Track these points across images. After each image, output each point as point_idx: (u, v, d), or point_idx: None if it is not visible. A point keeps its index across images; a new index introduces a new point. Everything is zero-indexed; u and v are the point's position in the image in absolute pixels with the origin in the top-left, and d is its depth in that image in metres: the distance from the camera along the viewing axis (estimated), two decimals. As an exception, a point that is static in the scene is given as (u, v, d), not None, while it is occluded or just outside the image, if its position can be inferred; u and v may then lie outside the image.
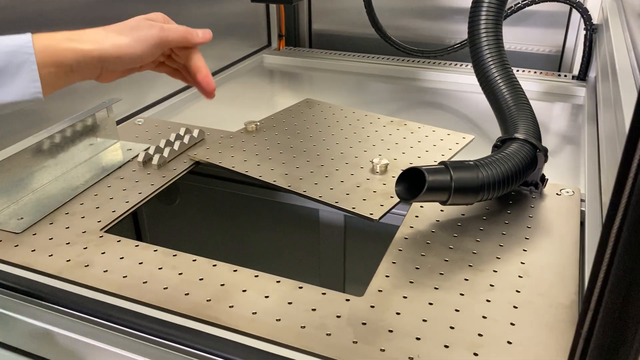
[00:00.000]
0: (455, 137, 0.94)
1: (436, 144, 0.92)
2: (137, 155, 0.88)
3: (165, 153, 0.88)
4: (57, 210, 0.75)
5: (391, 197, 0.76)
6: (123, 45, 0.55)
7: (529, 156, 0.75)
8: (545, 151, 0.76)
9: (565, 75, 1.33)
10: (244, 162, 0.86)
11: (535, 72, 1.35)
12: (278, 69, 1.50)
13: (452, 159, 0.87)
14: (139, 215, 1.00)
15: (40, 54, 0.50)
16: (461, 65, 1.40)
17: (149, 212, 1.01)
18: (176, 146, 0.90)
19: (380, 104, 1.24)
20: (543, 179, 0.78)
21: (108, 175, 0.84)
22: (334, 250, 1.01)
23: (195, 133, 0.95)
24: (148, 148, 0.90)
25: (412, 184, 0.70)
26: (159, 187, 0.81)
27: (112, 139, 0.94)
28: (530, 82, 1.27)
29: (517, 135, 0.77)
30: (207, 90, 0.62)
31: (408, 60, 1.45)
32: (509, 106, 0.82)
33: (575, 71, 1.31)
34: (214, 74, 1.34)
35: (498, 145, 0.78)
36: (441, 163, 0.71)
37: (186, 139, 0.92)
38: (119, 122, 1.02)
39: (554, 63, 1.42)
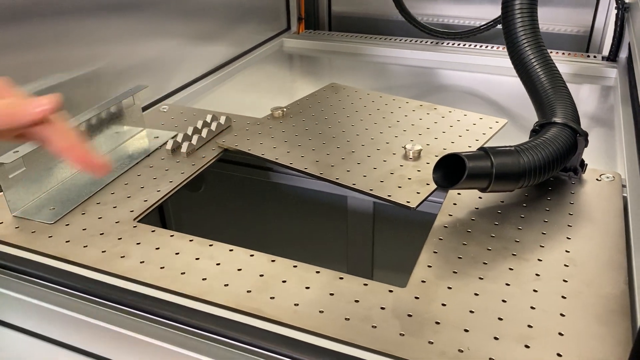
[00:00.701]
0: (487, 122, 0.92)
1: (469, 129, 0.89)
2: (166, 143, 0.87)
3: (194, 141, 0.87)
4: (88, 199, 0.74)
5: (427, 184, 0.74)
6: None
7: (570, 141, 0.73)
8: (585, 135, 0.74)
9: (595, 56, 1.29)
10: (273, 149, 0.85)
11: (562, 53, 1.32)
12: (298, 53, 1.48)
13: (486, 144, 0.85)
14: (163, 204, 0.98)
15: None
16: (487, 47, 1.37)
17: (173, 200, 1.00)
18: (204, 133, 0.89)
19: (405, 87, 1.22)
20: (582, 164, 0.76)
21: (137, 163, 0.83)
22: (362, 237, 0.99)
23: (222, 120, 0.93)
24: (176, 135, 0.89)
25: (450, 170, 0.68)
26: (190, 176, 0.80)
27: (139, 127, 0.92)
28: (557, 63, 1.23)
29: (556, 120, 0.75)
30: (90, 168, 0.45)
31: (432, 43, 1.42)
32: (545, 89, 0.80)
33: (605, 52, 1.28)
34: (232, 60, 1.32)
35: (536, 130, 0.76)
36: (480, 149, 0.69)
37: (213, 126, 0.91)
38: (143, 109, 1.01)
39: (582, 44, 1.39)
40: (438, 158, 0.80)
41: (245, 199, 1.08)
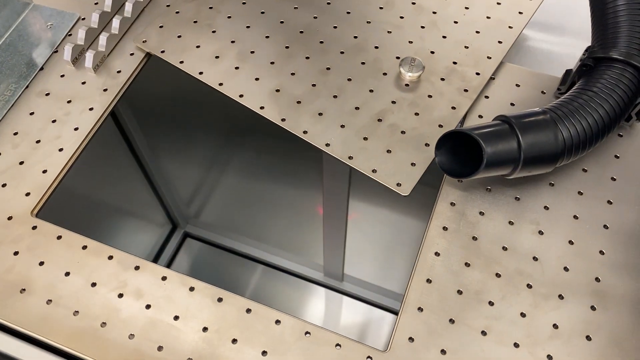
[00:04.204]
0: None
1: (490, 15, 0.64)
2: (64, 47, 0.62)
3: (102, 42, 0.61)
4: (-34, 166, 0.55)
5: (426, 144, 0.55)
6: None
7: (632, 87, 0.51)
8: (657, 77, 0.52)
9: None
10: (216, 60, 0.61)
11: None
12: None
13: (517, 39, 0.61)
14: (117, 115, 0.74)
15: None
16: None
17: (127, 113, 0.76)
18: (115, 25, 0.62)
19: None
20: (639, 113, 0.56)
21: (27, 86, 0.60)
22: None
23: (141, -6, 0.65)
24: (77, 21, 0.63)
25: (458, 144, 0.49)
26: (104, 112, 0.58)
27: (21, 6, 0.64)
28: None
29: (615, 55, 0.51)
30: None
31: None
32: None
33: None
34: None
35: (587, 66, 0.53)
36: (502, 118, 0.49)
37: (128, 8, 0.64)
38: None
39: None
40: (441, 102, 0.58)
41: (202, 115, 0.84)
